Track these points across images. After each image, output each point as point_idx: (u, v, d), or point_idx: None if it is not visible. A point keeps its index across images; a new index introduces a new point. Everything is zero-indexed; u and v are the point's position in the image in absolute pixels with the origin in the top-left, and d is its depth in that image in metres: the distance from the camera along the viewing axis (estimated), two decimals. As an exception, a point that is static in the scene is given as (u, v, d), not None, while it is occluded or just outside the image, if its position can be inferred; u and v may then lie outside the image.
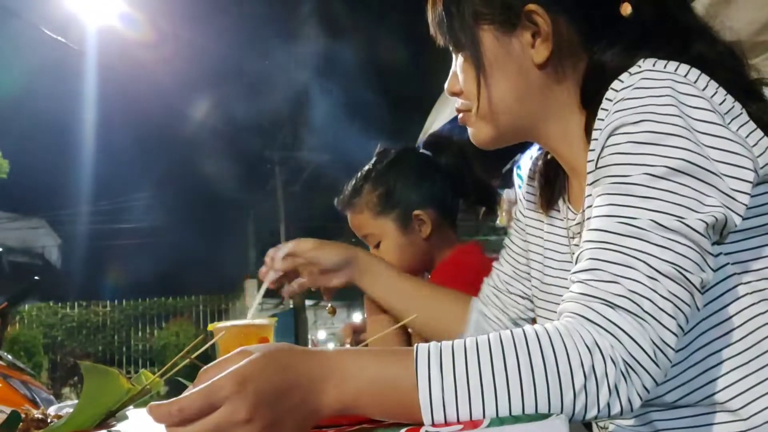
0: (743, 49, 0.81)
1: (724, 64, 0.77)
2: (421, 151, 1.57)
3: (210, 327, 1.08)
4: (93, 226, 15.92)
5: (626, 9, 0.81)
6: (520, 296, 1.09)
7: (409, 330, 1.30)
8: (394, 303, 1.16)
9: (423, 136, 5.00)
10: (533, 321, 1.08)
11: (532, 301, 1.07)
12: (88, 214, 15.79)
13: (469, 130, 0.92)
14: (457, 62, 0.90)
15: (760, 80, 0.80)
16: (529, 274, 1.05)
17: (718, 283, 0.74)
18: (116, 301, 13.48)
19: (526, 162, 1.09)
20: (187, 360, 0.98)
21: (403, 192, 1.48)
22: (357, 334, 1.48)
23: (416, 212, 1.46)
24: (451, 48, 0.90)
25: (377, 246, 1.49)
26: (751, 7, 1.96)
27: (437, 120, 4.77)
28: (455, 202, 1.54)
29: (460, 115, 0.91)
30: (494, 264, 1.15)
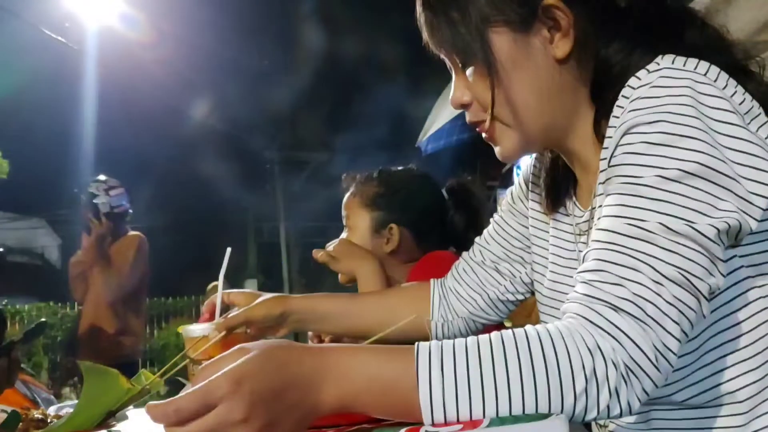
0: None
1: (714, 47, 0.76)
2: (447, 187, 1.60)
3: (179, 329, 1.04)
4: (93, 226, 15.89)
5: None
6: (503, 275, 1.08)
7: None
8: (348, 329, 1.13)
9: (423, 137, 5.01)
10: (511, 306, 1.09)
11: (515, 286, 1.07)
12: (88, 214, 15.76)
13: (496, 148, 0.85)
14: (460, 72, 0.84)
15: (746, 57, 0.78)
16: (522, 258, 1.05)
17: (732, 286, 0.73)
18: (116, 301, 13.46)
19: (525, 161, 1.06)
20: (187, 360, 0.98)
21: (394, 203, 1.53)
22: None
23: (391, 225, 1.51)
24: (455, 59, 0.83)
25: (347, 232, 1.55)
26: (751, 6, 1.96)
27: (437, 120, 4.77)
28: (438, 237, 1.56)
29: (484, 134, 0.85)
30: (477, 239, 1.13)
